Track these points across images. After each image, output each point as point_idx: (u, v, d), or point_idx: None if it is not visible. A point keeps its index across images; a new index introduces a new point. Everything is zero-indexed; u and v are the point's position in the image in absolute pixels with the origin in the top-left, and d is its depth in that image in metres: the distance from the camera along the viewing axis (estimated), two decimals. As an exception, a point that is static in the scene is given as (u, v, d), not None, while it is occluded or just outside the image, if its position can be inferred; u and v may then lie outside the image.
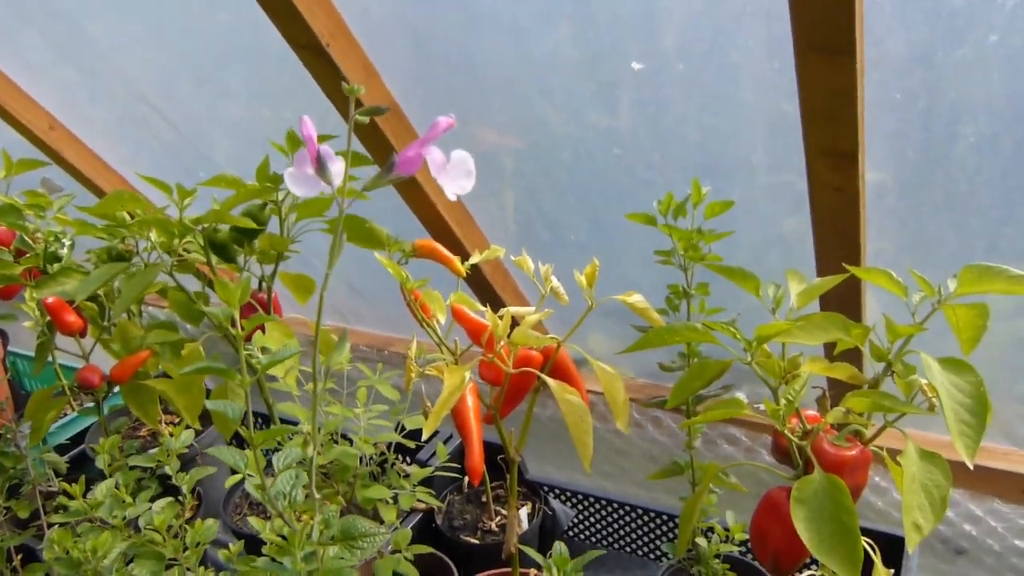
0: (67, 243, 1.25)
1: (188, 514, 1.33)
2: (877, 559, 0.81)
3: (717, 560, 1.14)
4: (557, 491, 1.45)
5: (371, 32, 1.23)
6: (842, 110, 0.92)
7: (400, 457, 1.27)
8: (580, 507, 1.45)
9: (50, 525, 1.26)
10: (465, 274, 0.99)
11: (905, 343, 0.78)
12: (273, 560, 0.76)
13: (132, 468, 1.21)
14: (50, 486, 1.35)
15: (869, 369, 0.85)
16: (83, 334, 1.27)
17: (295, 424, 1.36)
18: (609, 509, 1.43)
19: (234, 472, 0.75)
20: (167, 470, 1.15)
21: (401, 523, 1.25)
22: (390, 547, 1.09)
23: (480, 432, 0.90)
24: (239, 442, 1.27)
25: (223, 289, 0.68)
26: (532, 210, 1.49)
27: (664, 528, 1.39)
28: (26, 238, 1.23)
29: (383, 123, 1.29)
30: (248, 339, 0.68)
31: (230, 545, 0.98)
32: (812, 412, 0.85)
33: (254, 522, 0.93)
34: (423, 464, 1.29)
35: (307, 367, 0.91)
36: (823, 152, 1.00)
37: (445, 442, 1.37)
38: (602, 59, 1.15)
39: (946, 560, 1.38)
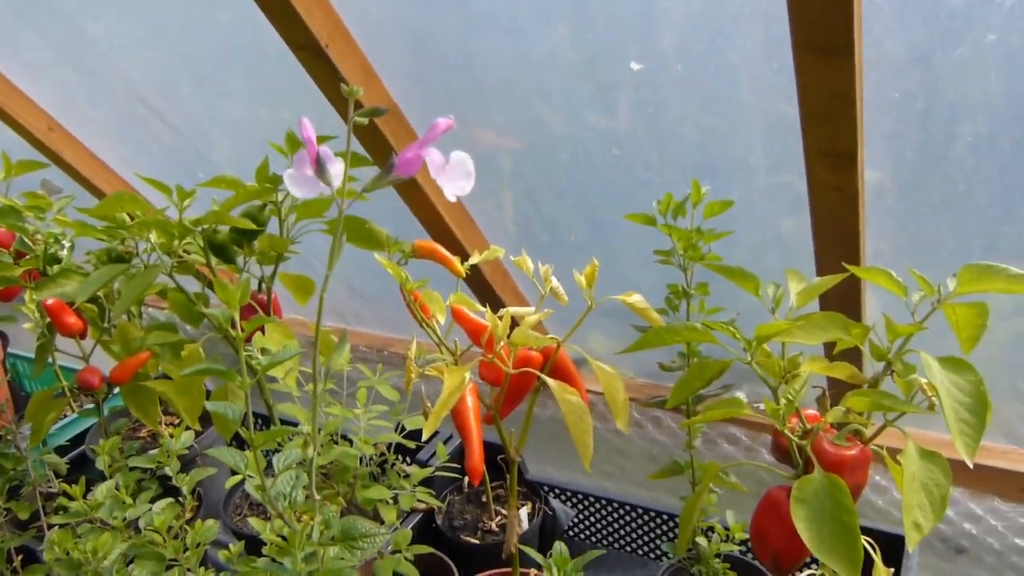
0: (67, 245, 1.25)
1: (188, 515, 1.33)
2: (877, 558, 0.81)
3: (717, 559, 1.14)
4: (557, 491, 1.45)
5: (370, 33, 1.23)
6: (841, 111, 0.93)
7: (400, 457, 1.27)
8: (580, 507, 1.45)
9: (50, 526, 1.26)
10: (465, 275, 0.99)
11: (905, 342, 0.78)
12: (273, 561, 0.76)
13: (132, 469, 1.21)
14: (50, 487, 1.35)
15: (869, 368, 0.85)
16: (83, 336, 1.27)
17: (295, 425, 1.36)
18: (609, 509, 1.43)
19: (234, 473, 0.75)
20: (167, 471, 1.15)
21: (401, 523, 1.25)
22: (390, 547, 1.09)
23: (480, 432, 0.90)
24: (239, 443, 1.27)
25: (223, 290, 0.68)
26: (531, 211, 1.49)
27: (664, 528, 1.39)
28: (26, 240, 1.23)
29: (382, 124, 1.29)
30: (248, 340, 0.69)
31: (230, 546, 0.98)
32: (812, 411, 0.85)
33: (254, 523, 0.93)
34: (423, 464, 1.29)
35: (307, 368, 0.91)
36: (822, 152, 1.00)
37: (445, 442, 1.37)
38: (601, 60, 1.15)
39: (946, 559, 1.38)
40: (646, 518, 1.40)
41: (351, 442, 1.15)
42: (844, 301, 1.19)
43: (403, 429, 1.20)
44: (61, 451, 1.56)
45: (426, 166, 0.68)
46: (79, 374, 1.26)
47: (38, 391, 1.31)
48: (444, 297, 0.94)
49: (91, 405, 1.34)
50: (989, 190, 1.06)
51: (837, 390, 0.84)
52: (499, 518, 1.33)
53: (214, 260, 1.11)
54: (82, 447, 1.58)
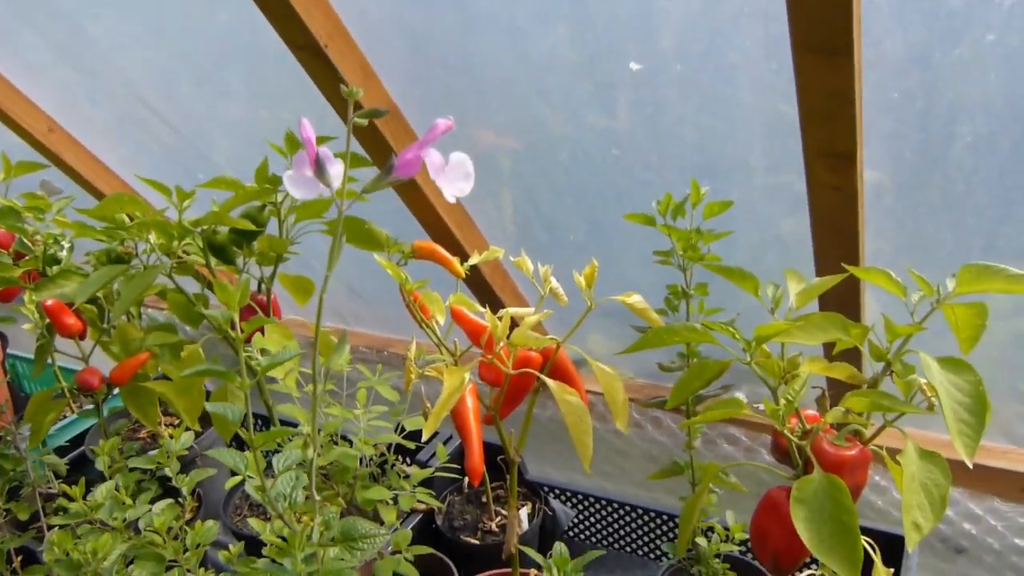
0: (66, 245, 1.25)
1: (188, 516, 1.33)
2: (877, 558, 0.81)
3: (717, 560, 1.14)
4: (557, 491, 1.45)
5: (369, 33, 1.23)
6: (840, 111, 0.93)
7: (400, 458, 1.27)
8: (580, 507, 1.45)
9: (50, 527, 1.26)
10: (464, 275, 0.99)
11: (904, 343, 0.78)
12: (273, 561, 0.76)
13: (132, 470, 1.21)
14: (50, 488, 1.35)
15: (868, 369, 0.85)
16: (82, 336, 1.27)
17: (295, 426, 1.36)
18: (609, 509, 1.43)
19: (234, 474, 0.75)
20: (167, 472, 1.15)
21: (401, 524, 1.25)
22: (390, 548, 1.09)
23: (480, 433, 0.90)
24: (239, 444, 1.27)
25: (222, 291, 0.68)
26: (530, 211, 1.49)
27: (664, 528, 1.39)
28: (25, 240, 1.23)
29: (382, 124, 1.29)
30: (247, 341, 0.69)
31: (230, 546, 0.98)
32: (811, 412, 0.85)
33: (254, 523, 0.93)
34: (423, 465, 1.29)
35: (307, 369, 0.91)
36: (821, 153, 1.00)
37: (445, 443, 1.37)
38: (600, 60, 1.15)
39: (946, 559, 1.39)
40: (646, 518, 1.40)
41: (351, 443, 1.15)
42: (843, 301, 1.19)
43: (403, 430, 1.20)
44: (61, 452, 1.56)
45: (426, 167, 0.68)
46: (79, 375, 1.25)
47: (37, 392, 1.31)
48: (444, 298, 0.94)
49: (91, 406, 1.34)
50: (988, 190, 1.06)
51: (837, 390, 0.84)
52: (499, 518, 1.33)
53: (213, 261, 1.11)
54: (82, 448, 1.58)
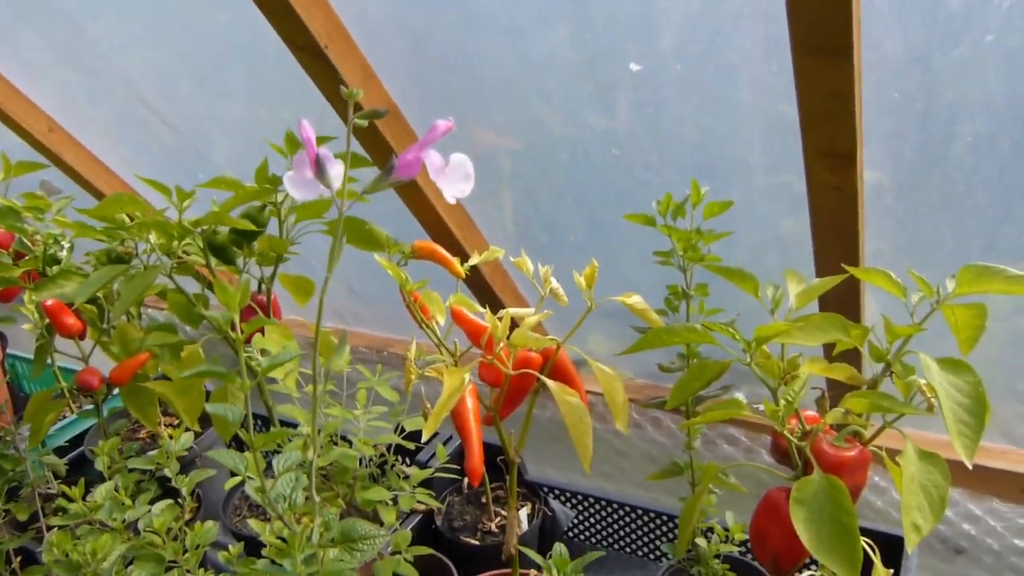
0: (66, 245, 1.25)
1: (188, 516, 1.33)
2: (876, 559, 0.81)
3: (717, 560, 1.14)
4: (557, 492, 1.45)
5: (369, 33, 1.23)
6: (840, 111, 0.93)
7: (400, 459, 1.27)
8: (580, 508, 1.45)
9: (49, 527, 1.26)
10: (464, 275, 0.99)
11: (904, 343, 0.78)
12: (273, 562, 0.76)
13: (131, 470, 1.21)
14: (49, 488, 1.35)
15: (868, 370, 0.85)
16: (82, 336, 1.27)
17: (295, 426, 1.36)
18: (609, 510, 1.43)
19: (234, 474, 0.75)
20: (167, 472, 1.15)
21: (401, 524, 1.25)
22: (390, 549, 1.09)
23: (480, 433, 0.90)
24: (239, 444, 1.27)
25: (223, 292, 0.68)
26: (530, 211, 1.49)
27: (664, 528, 1.39)
28: (25, 240, 1.23)
29: (382, 124, 1.29)
30: (248, 341, 0.68)
31: (230, 547, 0.98)
32: (811, 413, 0.85)
33: (254, 524, 0.93)
34: (423, 465, 1.29)
35: (307, 369, 0.91)
36: (821, 153, 1.00)
37: (445, 443, 1.37)
38: (600, 60, 1.15)
39: (945, 559, 1.39)
40: (646, 519, 1.40)
41: (351, 443, 1.15)
42: (843, 302, 1.19)
43: (403, 430, 1.20)
44: (60, 452, 1.56)
45: (426, 168, 0.68)
46: (78, 375, 1.25)
47: (37, 392, 1.31)
48: (444, 298, 0.94)
49: (90, 406, 1.34)
50: (988, 190, 1.06)
51: (836, 391, 0.84)
52: (499, 519, 1.33)
53: (214, 261, 1.11)
54: (81, 448, 1.58)
